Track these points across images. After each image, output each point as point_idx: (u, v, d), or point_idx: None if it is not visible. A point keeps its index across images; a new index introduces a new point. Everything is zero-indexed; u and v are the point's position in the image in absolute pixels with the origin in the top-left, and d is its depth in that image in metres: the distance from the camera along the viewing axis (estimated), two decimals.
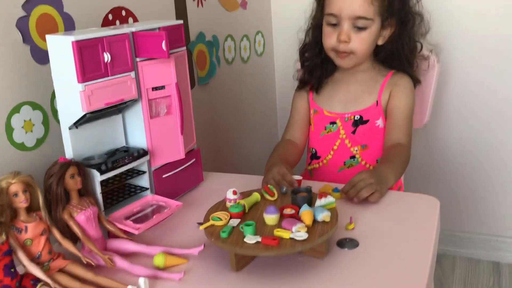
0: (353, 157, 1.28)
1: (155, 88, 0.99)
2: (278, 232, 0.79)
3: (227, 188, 0.92)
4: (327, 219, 0.82)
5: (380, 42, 1.24)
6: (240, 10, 1.70)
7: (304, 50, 1.34)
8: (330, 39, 1.22)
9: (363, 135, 1.27)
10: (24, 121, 0.95)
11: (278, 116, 2.05)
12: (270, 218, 0.83)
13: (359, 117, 1.26)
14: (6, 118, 0.92)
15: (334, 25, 1.20)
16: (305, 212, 0.82)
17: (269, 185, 0.95)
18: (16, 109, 0.94)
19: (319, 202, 0.88)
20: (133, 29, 0.94)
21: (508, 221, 1.79)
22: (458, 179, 1.81)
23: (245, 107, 1.80)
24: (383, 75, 1.28)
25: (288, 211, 0.85)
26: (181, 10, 1.40)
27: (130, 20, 1.20)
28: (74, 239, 0.84)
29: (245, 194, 0.93)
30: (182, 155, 1.06)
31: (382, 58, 1.28)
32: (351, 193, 0.98)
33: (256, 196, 0.92)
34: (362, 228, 0.90)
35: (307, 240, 0.77)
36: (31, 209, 0.80)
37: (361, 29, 1.18)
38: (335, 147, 1.29)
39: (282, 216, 0.84)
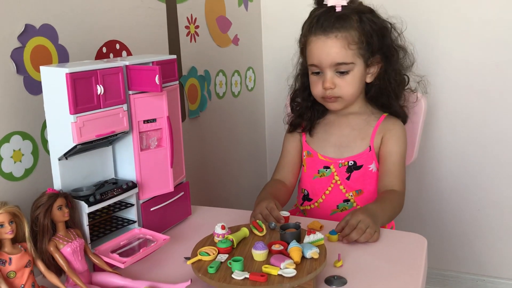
0: (346, 200, 1.28)
1: (146, 121, 0.99)
2: (266, 268, 0.78)
3: (215, 222, 0.92)
4: (316, 256, 0.82)
5: (368, 80, 1.26)
6: (232, 46, 1.73)
7: (294, 96, 1.36)
8: (316, 88, 1.24)
9: (357, 180, 1.27)
10: (14, 151, 0.95)
11: (267, 151, 2.06)
12: (259, 254, 0.82)
13: (353, 163, 1.27)
14: None
15: (318, 73, 1.23)
16: (294, 248, 0.82)
17: (257, 221, 0.95)
18: (6, 139, 0.93)
19: (307, 238, 0.88)
20: (127, 63, 0.95)
21: (495, 262, 1.79)
22: (445, 217, 1.82)
23: (235, 141, 1.81)
24: (375, 117, 1.29)
25: (277, 247, 0.85)
26: (174, 45, 1.43)
27: (124, 53, 1.22)
28: (59, 271, 0.83)
29: (234, 229, 0.93)
30: (171, 188, 1.06)
31: (373, 95, 1.29)
32: (353, 237, 0.97)
33: (244, 231, 0.92)
34: (350, 266, 0.90)
35: (295, 277, 0.77)
36: (16, 240, 0.79)
37: (344, 73, 1.20)
38: (327, 192, 1.29)
39: (270, 252, 0.84)
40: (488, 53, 1.63)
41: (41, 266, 0.80)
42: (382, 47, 1.23)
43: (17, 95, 0.95)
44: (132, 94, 0.96)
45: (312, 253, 0.82)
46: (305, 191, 1.34)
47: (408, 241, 0.99)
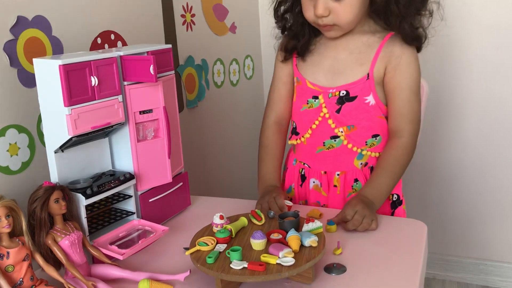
0: (334, 137, 1.11)
1: (142, 112, 0.99)
2: (265, 258, 0.78)
3: (214, 212, 0.91)
4: (314, 244, 0.81)
5: None
6: (229, 34, 1.72)
7: (283, 10, 1.13)
8: (309, 12, 1.04)
9: (349, 114, 1.09)
10: (10, 144, 0.94)
11: None
12: (257, 243, 0.82)
13: (345, 92, 1.08)
14: None
15: None
16: (292, 237, 0.81)
17: (256, 210, 0.94)
18: (2, 133, 0.93)
19: (306, 227, 0.87)
20: (121, 53, 0.94)
21: (496, 245, 1.79)
22: (447, 202, 1.82)
23: (234, 130, 1.80)
24: (379, 38, 1.07)
25: (275, 236, 0.84)
26: (170, 34, 1.41)
27: (119, 43, 1.21)
28: (57, 264, 0.83)
29: (232, 219, 0.93)
30: (169, 179, 1.05)
31: (377, 10, 1.05)
32: (349, 227, 0.95)
33: (243, 220, 0.91)
34: (349, 253, 0.89)
35: (294, 265, 0.76)
36: (14, 234, 0.79)
37: None
38: (313, 126, 1.13)
39: (269, 241, 0.83)
40: None
41: (39, 259, 0.80)
42: None
43: (11, 88, 0.94)
44: (127, 85, 0.95)
45: (310, 241, 0.81)
46: (294, 124, 1.18)
47: (408, 228, 0.99)
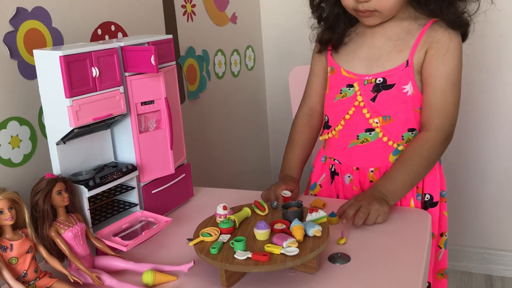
0: (370, 130, 1.05)
1: (144, 103, 0.98)
2: (269, 248, 0.78)
3: (217, 203, 0.91)
4: (318, 234, 0.81)
5: None
6: (230, 24, 1.71)
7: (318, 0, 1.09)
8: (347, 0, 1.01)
9: (386, 103, 1.03)
10: (11, 136, 0.94)
11: (269, 130, 2.04)
12: (261, 233, 0.82)
13: (381, 80, 1.02)
14: None
15: None
16: (296, 227, 0.81)
17: (259, 200, 0.94)
18: (3, 125, 0.92)
19: (310, 216, 0.87)
20: (122, 44, 0.93)
21: (499, 234, 1.79)
22: (449, 191, 1.81)
23: (236, 121, 1.79)
24: (420, 25, 1.02)
25: (279, 226, 0.84)
26: (171, 25, 1.40)
27: (120, 34, 1.20)
28: (61, 256, 0.83)
29: (236, 209, 0.92)
30: (172, 170, 1.05)
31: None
32: (357, 223, 0.92)
33: (246, 211, 0.91)
34: (353, 243, 0.89)
35: (298, 255, 0.76)
36: (17, 226, 0.79)
37: None
38: (347, 116, 1.07)
39: (273, 231, 0.83)
40: None
41: (43, 251, 0.80)
42: None
43: (12, 80, 0.94)
44: (129, 76, 0.94)
45: (314, 231, 0.81)
46: (326, 117, 1.13)
47: (412, 217, 0.98)
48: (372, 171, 1.08)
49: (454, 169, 1.78)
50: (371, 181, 1.08)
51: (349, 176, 1.11)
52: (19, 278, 0.76)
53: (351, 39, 1.09)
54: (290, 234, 0.81)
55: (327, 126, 1.13)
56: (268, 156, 2.03)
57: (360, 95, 1.05)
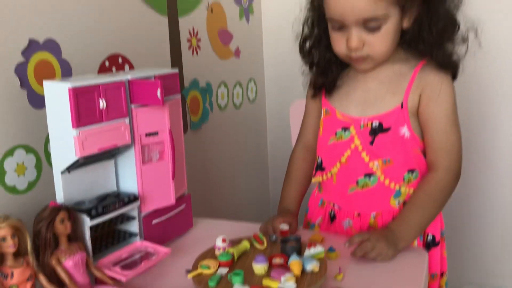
0: (369, 175, 1.05)
1: (148, 134, 1.00)
2: (267, 282, 0.79)
3: (216, 235, 0.92)
4: (316, 269, 0.82)
5: (405, 25, 1.00)
6: (233, 58, 1.75)
7: (309, 46, 1.10)
8: (339, 46, 1.01)
9: (384, 146, 1.03)
10: (17, 164, 0.96)
11: (269, 162, 2.06)
12: (259, 267, 0.83)
13: (377, 123, 1.03)
14: (0, 161, 0.93)
15: (340, 27, 0.99)
16: (294, 262, 0.82)
17: (258, 234, 0.95)
18: (10, 152, 0.94)
19: (308, 251, 0.88)
20: (129, 77, 0.96)
21: (498, 271, 1.78)
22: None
23: (237, 152, 1.81)
24: (411, 66, 1.03)
25: (277, 260, 0.85)
26: (176, 58, 1.44)
27: (126, 67, 1.23)
28: (60, 285, 0.83)
29: (234, 242, 0.93)
30: (172, 201, 1.06)
31: (408, 40, 1.02)
32: (356, 253, 0.92)
33: (245, 244, 0.92)
34: (351, 279, 0.90)
35: None
36: (19, 253, 0.79)
37: (374, 29, 0.96)
38: (343, 159, 1.07)
39: (271, 266, 0.84)
40: None
41: (43, 279, 0.81)
42: None
43: (20, 109, 0.96)
44: (134, 107, 0.97)
45: (312, 266, 0.82)
46: (319, 159, 1.13)
47: (409, 256, 0.99)
48: (374, 217, 1.08)
49: (452, 206, 1.79)
50: (371, 225, 1.08)
51: (349, 222, 1.11)
52: None
53: (344, 82, 1.10)
54: (288, 269, 0.82)
55: (320, 168, 1.13)
56: (268, 188, 2.05)
57: (358, 138, 1.05)
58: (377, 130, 1.03)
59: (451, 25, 1.01)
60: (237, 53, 1.76)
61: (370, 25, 0.95)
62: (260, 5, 1.93)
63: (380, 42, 0.97)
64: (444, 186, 1.00)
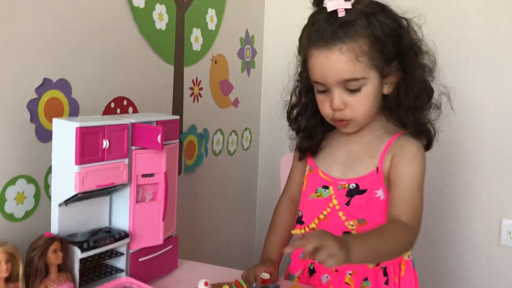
0: (347, 233, 1.09)
1: (144, 175, 1.06)
2: None
3: (199, 277, 0.96)
4: None
5: (386, 91, 1.06)
6: (231, 107, 1.83)
7: (296, 113, 1.17)
8: (325, 108, 1.06)
9: (359, 207, 1.07)
10: (18, 193, 1.01)
11: (257, 212, 2.11)
12: None
13: (354, 186, 1.08)
14: (1, 189, 0.98)
15: (325, 91, 1.05)
16: None
17: (239, 280, 0.99)
18: (12, 182, 1.00)
19: None
20: (133, 121, 1.02)
21: None
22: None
23: (227, 197, 1.86)
24: (390, 135, 1.09)
25: None
26: (177, 104, 1.52)
27: (130, 109, 1.30)
28: None
29: (216, 286, 0.97)
30: (160, 241, 1.10)
31: (388, 106, 1.08)
32: (304, 249, 0.82)
33: None
34: None
35: None
36: (10, 279, 0.83)
37: (355, 91, 1.02)
38: (321, 216, 1.12)
39: None
40: None
41: None
42: (399, 51, 1.03)
43: (27, 141, 1.02)
44: (135, 149, 1.03)
45: None
46: (300, 213, 1.17)
47: None
48: (350, 274, 1.11)
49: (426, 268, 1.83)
50: (347, 283, 1.10)
51: (326, 277, 1.13)
52: None
53: (328, 142, 1.16)
54: None
55: (300, 221, 1.17)
56: (254, 236, 2.08)
57: (335, 198, 1.10)
58: (354, 192, 1.08)
59: (426, 90, 1.07)
60: (235, 103, 1.85)
61: (350, 86, 1.01)
62: (262, 60, 2.03)
63: (361, 103, 1.03)
64: (407, 233, 0.98)
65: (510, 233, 1.69)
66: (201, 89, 1.62)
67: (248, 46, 1.90)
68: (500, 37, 1.66)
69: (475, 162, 1.73)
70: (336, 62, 0.99)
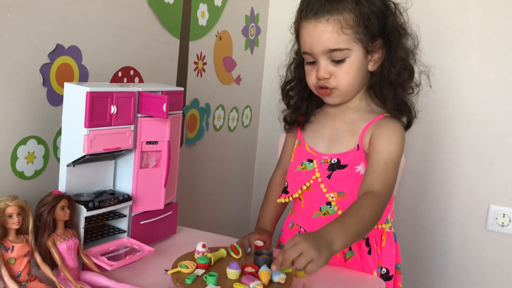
0: (328, 203, 1.16)
1: (149, 142, 1.11)
2: (237, 286, 0.89)
3: (197, 242, 1.02)
4: (282, 281, 0.92)
5: (371, 68, 1.13)
6: (234, 84, 1.87)
7: (288, 88, 1.25)
8: (310, 78, 1.13)
9: (340, 181, 1.14)
10: (28, 152, 1.06)
11: (254, 186, 2.17)
12: (232, 272, 0.92)
13: (336, 160, 1.15)
14: (14, 148, 1.03)
15: (313, 62, 1.12)
16: (264, 272, 0.92)
17: (236, 245, 1.05)
18: (24, 141, 1.04)
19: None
20: (140, 89, 1.07)
21: None
22: (407, 262, 1.92)
23: (225, 172, 1.92)
24: (373, 115, 1.15)
25: (249, 269, 0.95)
26: (182, 77, 1.56)
27: (136, 79, 1.35)
28: (52, 265, 0.92)
29: (213, 249, 1.03)
30: (161, 206, 1.16)
31: (373, 84, 1.15)
32: (284, 264, 0.85)
33: (222, 252, 1.02)
34: None
35: None
36: (20, 231, 0.89)
37: (339, 61, 1.08)
38: (304, 187, 1.19)
39: (243, 273, 0.94)
40: None
41: (37, 257, 0.90)
42: (384, 30, 1.09)
43: (39, 104, 1.07)
44: (140, 117, 1.08)
45: (279, 278, 0.92)
46: (286, 183, 1.24)
47: (368, 283, 1.09)
48: None
49: (410, 240, 1.89)
50: None
51: None
52: (13, 277, 0.86)
53: (316, 118, 1.23)
54: (258, 278, 0.92)
55: (285, 191, 1.24)
56: (250, 209, 2.15)
57: (318, 171, 1.17)
58: (335, 166, 1.15)
59: (407, 69, 1.13)
60: (238, 80, 1.89)
61: (335, 57, 1.08)
62: (265, 39, 2.06)
63: (344, 73, 1.09)
64: (380, 203, 1.02)
65: (497, 218, 1.75)
66: (205, 64, 1.66)
67: (252, 24, 1.93)
68: (479, 15, 1.71)
69: (468, 148, 1.79)
70: (322, 32, 1.06)
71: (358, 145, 1.13)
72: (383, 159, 1.07)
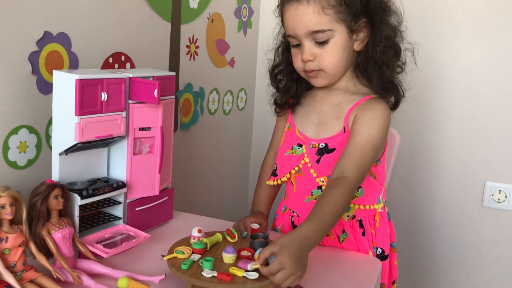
0: (319, 187, 1.16)
1: (141, 129, 1.10)
2: (233, 270, 0.89)
3: (193, 227, 1.01)
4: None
5: (356, 48, 1.12)
6: (227, 67, 1.85)
7: (276, 72, 1.24)
8: (297, 61, 1.13)
9: (329, 165, 1.12)
10: (20, 142, 1.05)
11: (251, 169, 2.17)
12: (228, 257, 0.92)
13: (324, 145, 1.14)
14: (5, 138, 1.02)
15: (298, 45, 1.12)
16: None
17: (231, 229, 1.05)
18: (15, 131, 1.04)
19: None
20: (130, 75, 1.06)
21: (450, 277, 1.89)
22: (402, 239, 1.93)
23: (221, 156, 1.91)
24: (360, 96, 1.14)
25: (245, 253, 0.95)
26: (174, 61, 1.54)
27: (128, 65, 1.33)
28: (48, 254, 0.92)
29: (209, 234, 1.03)
30: (156, 192, 1.16)
31: (359, 63, 1.14)
32: (275, 283, 0.87)
33: (218, 236, 1.02)
34: (307, 277, 1.00)
35: (257, 279, 0.87)
36: (14, 222, 0.88)
37: (323, 43, 1.08)
38: (293, 171, 1.19)
39: (239, 257, 0.94)
40: None
41: (32, 247, 0.90)
42: (367, 8, 1.08)
43: (29, 93, 1.06)
44: (132, 103, 1.07)
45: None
46: (275, 166, 1.25)
47: (364, 263, 1.10)
48: None
49: (404, 215, 1.90)
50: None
51: None
52: (9, 267, 0.86)
53: (306, 101, 1.22)
54: (254, 261, 0.92)
55: (274, 174, 1.24)
56: (247, 192, 2.15)
57: (307, 156, 1.17)
58: (323, 151, 1.15)
59: (393, 48, 1.12)
60: (231, 63, 1.87)
61: (318, 38, 1.07)
62: (258, 20, 2.04)
63: (329, 54, 1.08)
64: (345, 199, 1.01)
65: (493, 195, 1.76)
66: (197, 47, 1.64)
67: (245, 5, 1.91)
68: None
69: (462, 125, 1.79)
70: (304, 13, 1.06)
71: (344, 128, 1.13)
72: (361, 142, 1.06)
